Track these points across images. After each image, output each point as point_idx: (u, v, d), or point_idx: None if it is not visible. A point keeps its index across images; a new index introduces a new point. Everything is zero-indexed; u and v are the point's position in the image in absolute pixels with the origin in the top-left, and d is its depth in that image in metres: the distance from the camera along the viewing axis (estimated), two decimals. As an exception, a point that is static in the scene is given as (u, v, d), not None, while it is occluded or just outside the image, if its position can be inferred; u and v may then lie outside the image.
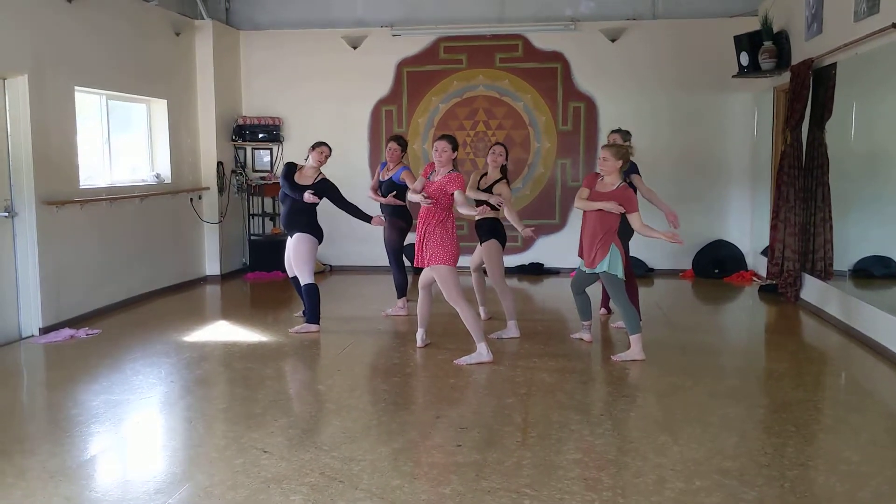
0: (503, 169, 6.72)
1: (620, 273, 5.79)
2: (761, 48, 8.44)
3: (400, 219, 7.49)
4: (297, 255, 6.81)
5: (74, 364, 5.90)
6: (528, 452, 4.01)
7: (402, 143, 7.68)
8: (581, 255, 6.06)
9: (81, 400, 5.02)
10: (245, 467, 3.85)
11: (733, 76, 8.99)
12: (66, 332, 6.79)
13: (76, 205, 7.23)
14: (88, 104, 7.84)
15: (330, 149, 6.97)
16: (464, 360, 5.74)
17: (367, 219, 6.89)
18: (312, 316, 6.85)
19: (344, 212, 6.89)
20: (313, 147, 6.92)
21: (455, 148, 5.87)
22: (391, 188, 7.43)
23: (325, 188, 6.83)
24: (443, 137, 5.91)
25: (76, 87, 7.36)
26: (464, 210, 5.74)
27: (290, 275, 7.07)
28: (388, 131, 10.24)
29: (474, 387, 5.24)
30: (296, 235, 6.83)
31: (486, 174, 6.70)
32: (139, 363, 5.87)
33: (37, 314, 6.80)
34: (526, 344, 6.37)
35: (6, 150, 6.64)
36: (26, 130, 6.65)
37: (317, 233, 6.90)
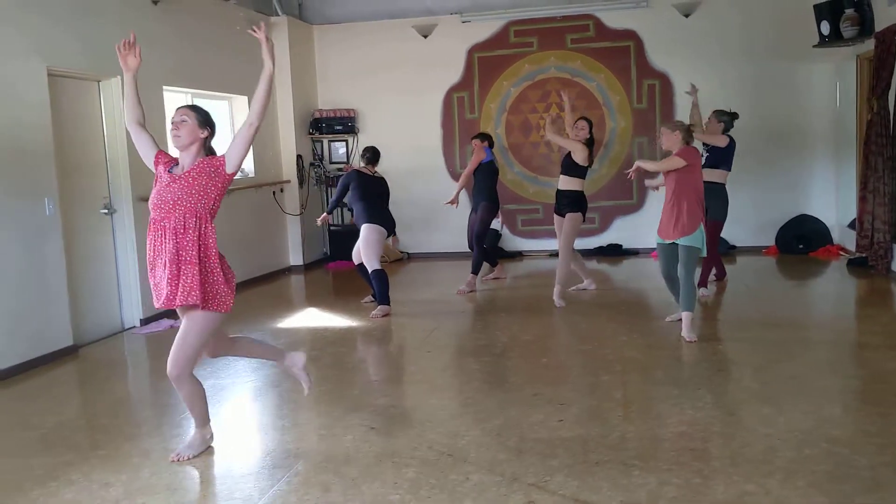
0: (588, 141, 7.08)
1: (704, 250, 5.73)
2: (843, 16, 8.20)
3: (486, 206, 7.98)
4: (368, 245, 7.08)
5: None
6: (630, 426, 4.05)
7: (485, 138, 8.18)
8: (659, 230, 5.89)
9: (189, 385, 5.24)
10: (355, 444, 3.98)
11: (814, 46, 8.76)
12: (166, 323, 7.08)
13: (168, 200, 7.50)
14: (175, 103, 8.10)
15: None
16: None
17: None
18: (383, 298, 7.06)
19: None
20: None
21: (202, 124, 3.78)
22: (484, 169, 7.98)
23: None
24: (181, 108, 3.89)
25: (164, 87, 7.63)
26: None
27: (357, 262, 7.33)
28: (461, 118, 10.33)
29: (567, 366, 5.29)
30: (364, 226, 7.12)
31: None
32: (238, 350, 6.07)
33: (137, 306, 7.10)
34: (612, 324, 6.37)
35: (103, 151, 6.94)
36: (122, 130, 6.94)
37: (387, 223, 7.19)
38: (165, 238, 3.65)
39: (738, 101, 9.44)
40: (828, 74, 9.42)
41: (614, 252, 9.99)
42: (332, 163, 10.65)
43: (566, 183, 7.16)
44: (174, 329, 6.91)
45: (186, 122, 3.76)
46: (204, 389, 3.95)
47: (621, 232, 10.06)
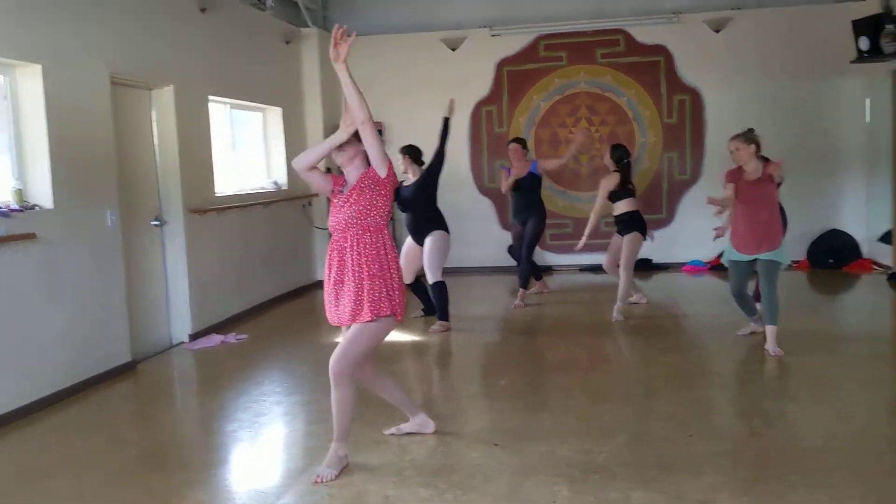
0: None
1: (787, 260, 5.69)
2: (883, 32, 8.28)
3: (540, 218, 7.91)
4: (432, 254, 6.80)
5: (241, 367, 5.96)
6: (765, 442, 3.96)
7: (521, 142, 8.13)
8: (738, 246, 5.82)
9: (276, 400, 5.06)
10: (485, 460, 3.85)
11: (851, 62, 8.83)
12: (217, 338, 6.86)
13: (213, 212, 7.31)
14: (216, 113, 7.92)
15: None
16: None
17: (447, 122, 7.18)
18: (443, 313, 6.87)
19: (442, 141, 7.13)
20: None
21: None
22: (535, 181, 7.87)
23: (428, 170, 6.94)
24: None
25: (209, 97, 7.45)
26: None
27: (408, 281, 7.02)
28: (489, 132, 10.26)
29: (663, 379, 5.19)
30: (432, 234, 6.83)
31: None
32: (306, 364, 5.88)
33: (186, 321, 6.88)
34: (682, 338, 6.31)
35: (154, 161, 6.74)
36: (173, 140, 6.75)
37: (447, 228, 6.95)
38: (345, 255, 3.72)
39: (768, 115, 9.56)
40: (858, 90, 9.50)
41: (645, 266, 9.92)
42: (356, 176, 10.49)
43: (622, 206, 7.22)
44: (225, 345, 6.74)
45: (352, 140, 3.79)
46: (355, 402, 3.83)
47: (651, 247, 10.00)
